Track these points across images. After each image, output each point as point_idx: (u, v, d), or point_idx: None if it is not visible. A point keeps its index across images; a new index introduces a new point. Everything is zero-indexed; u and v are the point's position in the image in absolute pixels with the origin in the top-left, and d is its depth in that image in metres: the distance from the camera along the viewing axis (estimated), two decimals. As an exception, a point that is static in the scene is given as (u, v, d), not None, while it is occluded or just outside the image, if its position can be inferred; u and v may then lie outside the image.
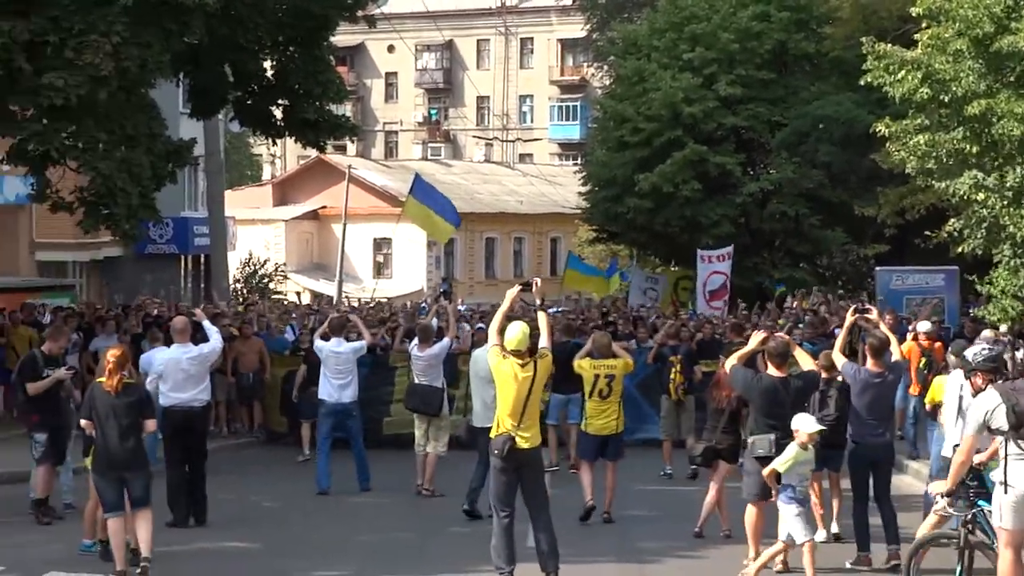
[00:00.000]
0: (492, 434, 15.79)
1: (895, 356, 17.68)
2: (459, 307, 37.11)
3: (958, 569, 13.84)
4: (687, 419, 24.83)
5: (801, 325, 30.68)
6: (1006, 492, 12.93)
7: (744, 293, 45.31)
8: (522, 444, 15.42)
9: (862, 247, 48.50)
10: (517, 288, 16.66)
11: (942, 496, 13.71)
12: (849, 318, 18.50)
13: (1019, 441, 12.92)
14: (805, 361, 17.05)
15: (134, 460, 15.99)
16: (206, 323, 20.56)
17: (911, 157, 29.65)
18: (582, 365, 20.16)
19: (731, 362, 16.92)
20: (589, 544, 18.32)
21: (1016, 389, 13.28)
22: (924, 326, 26.11)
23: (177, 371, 19.37)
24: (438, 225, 45.26)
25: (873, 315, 18.80)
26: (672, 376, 25.17)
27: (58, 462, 19.57)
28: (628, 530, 19.61)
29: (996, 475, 13.10)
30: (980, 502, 13.93)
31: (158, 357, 20.16)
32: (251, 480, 24.49)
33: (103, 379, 15.92)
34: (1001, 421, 13.01)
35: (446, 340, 22.98)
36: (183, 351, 19.57)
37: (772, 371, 16.55)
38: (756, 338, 17.12)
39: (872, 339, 17.13)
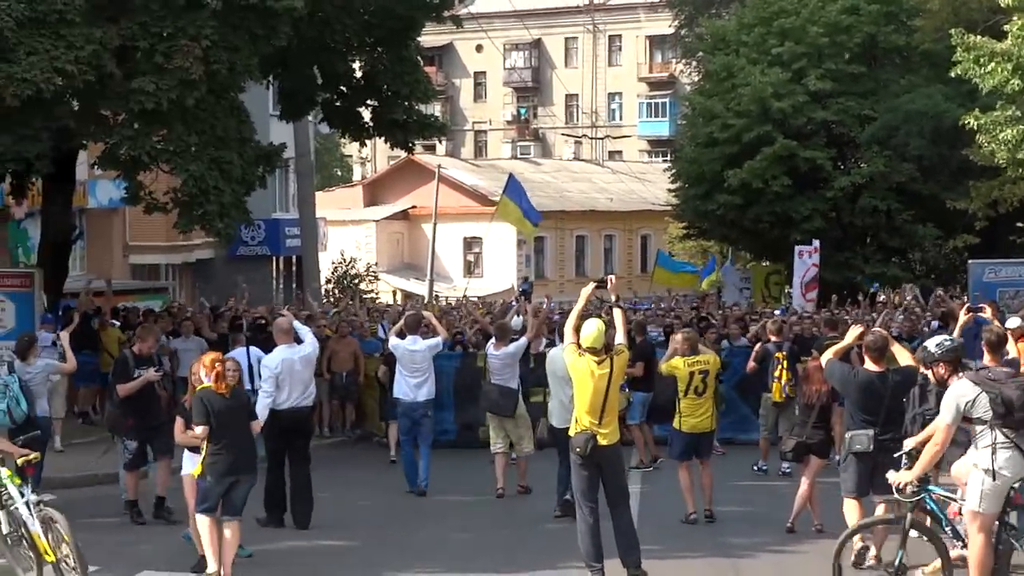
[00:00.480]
0: (571, 432, 15.77)
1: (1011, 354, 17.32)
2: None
3: (900, 555, 13.88)
4: (788, 418, 23.14)
5: (899, 318, 30.25)
6: (994, 479, 13.02)
7: (835, 288, 44.78)
8: (602, 441, 15.43)
9: (953, 240, 48.07)
10: (592, 286, 16.72)
11: (910, 484, 13.71)
12: (963, 317, 18.23)
13: (1005, 430, 13.01)
14: (903, 356, 16.46)
15: (249, 464, 15.89)
16: (297, 324, 20.28)
17: (1002, 149, 29.50)
18: (675, 365, 19.73)
19: (827, 356, 16.59)
20: (681, 540, 18.33)
21: (995, 379, 13.37)
22: (1014, 322, 25.82)
23: (291, 372, 19.07)
24: (526, 223, 47.52)
25: (988, 312, 18.69)
26: (778, 374, 24.18)
27: (142, 463, 19.77)
28: (720, 525, 19.37)
29: (982, 462, 13.12)
30: (929, 487, 14.01)
31: (272, 359, 19.47)
32: (345, 480, 24.35)
33: (211, 384, 15.53)
34: (984, 410, 13.12)
35: (522, 340, 22.22)
36: (293, 351, 19.27)
37: (869, 365, 16.18)
38: (853, 332, 16.74)
39: (989, 333, 16.67)
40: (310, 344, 19.72)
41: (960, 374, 13.89)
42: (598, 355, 15.62)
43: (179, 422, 16.12)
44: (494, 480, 21.79)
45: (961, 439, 14.15)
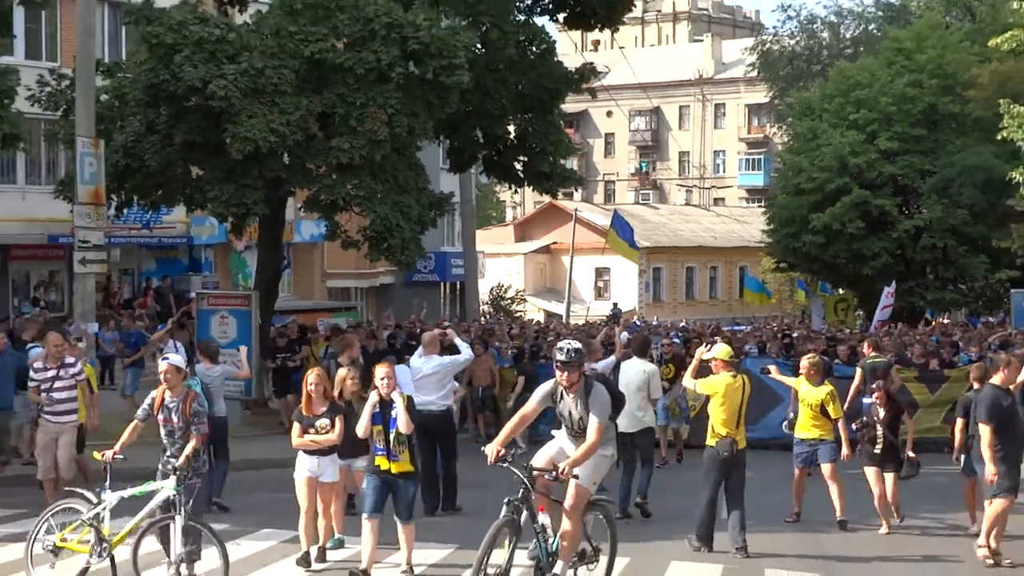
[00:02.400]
0: (710, 441, 15.39)
1: None
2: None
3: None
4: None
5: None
6: None
7: (899, 313, 45.07)
8: (741, 445, 15.28)
9: (999, 272, 47.39)
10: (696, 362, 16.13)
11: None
12: None
13: None
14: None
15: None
16: (457, 339, 19.31)
17: (1041, 199, 29.15)
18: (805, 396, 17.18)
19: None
20: (774, 519, 17.43)
21: None
22: None
23: (423, 378, 17.83)
24: (629, 251, 49.30)
25: None
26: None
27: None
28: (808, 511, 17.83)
29: None
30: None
31: (412, 365, 18.44)
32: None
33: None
34: None
35: (611, 358, 19.28)
36: (426, 361, 17.98)
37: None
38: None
39: None
40: (463, 354, 18.55)
41: None
42: (730, 370, 15.40)
43: (297, 427, 14.14)
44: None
45: None
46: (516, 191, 48.74)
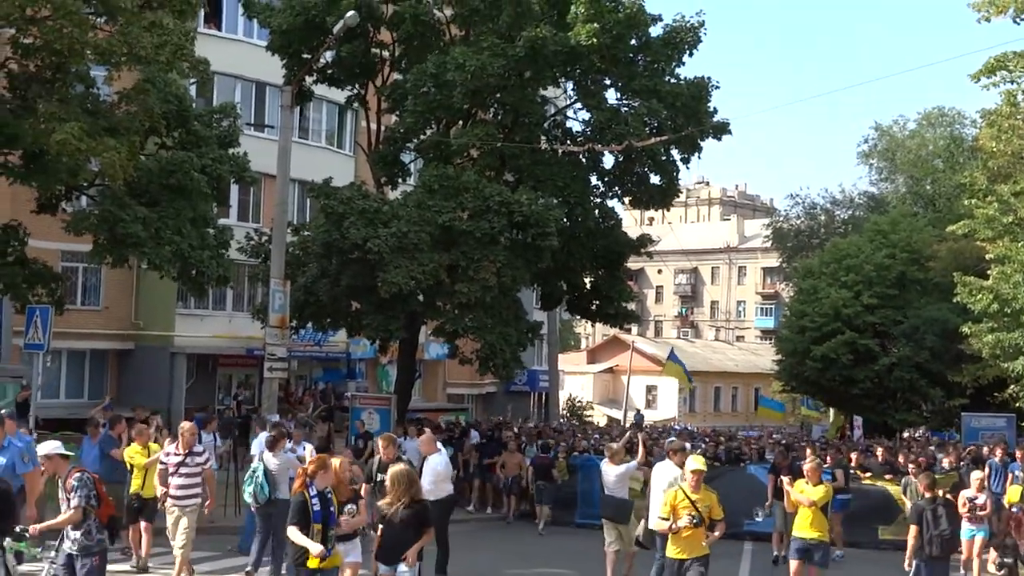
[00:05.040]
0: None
1: None
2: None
3: None
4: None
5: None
6: None
7: (875, 428, 44.76)
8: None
9: (952, 400, 46.46)
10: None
11: None
12: None
13: None
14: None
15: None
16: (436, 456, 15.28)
17: (985, 347, 28.71)
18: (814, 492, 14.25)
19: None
20: None
21: None
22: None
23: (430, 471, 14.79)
24: (683, 377, 49.66)
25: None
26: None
27: None
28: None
29: None
30: None
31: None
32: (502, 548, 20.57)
33: None
34: None
35: (633, 463, 16.47)
36: (442, 457, 15.19)
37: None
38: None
39: None
40: (440, 460, 15.10)
41: None
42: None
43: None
44: (604, 571, 15.86)
45: None
46: (593, 325, 48.68)
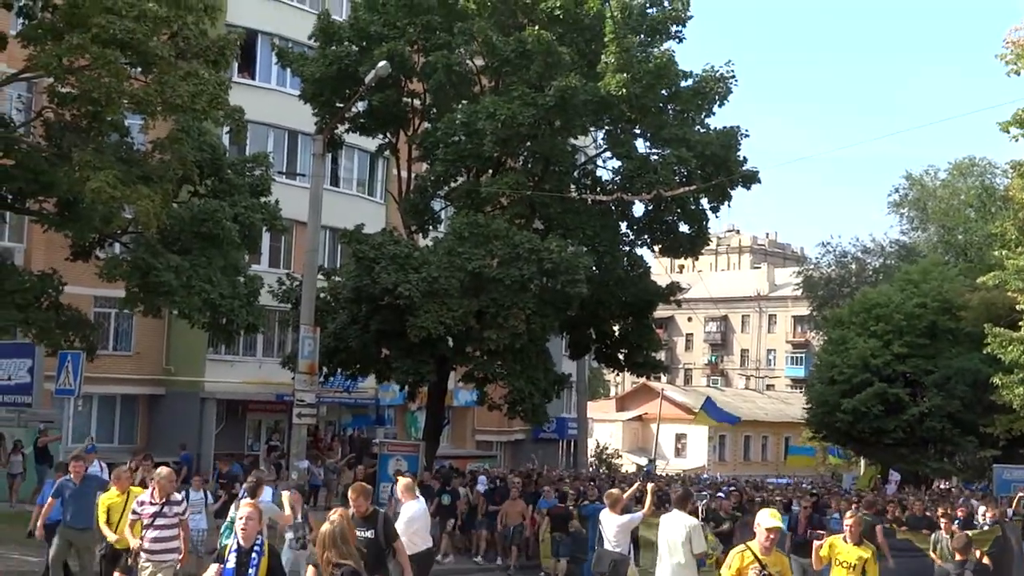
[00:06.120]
0: None
1: None
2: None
3: None
4: None
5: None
6: None
7: (909, 477, 43.97)
8: None
9: (984, 451, 45.93)
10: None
11: None
12: None
13: None
14: None
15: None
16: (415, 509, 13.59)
17: (1016, 398, 28.50)
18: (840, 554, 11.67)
19: None
20: None
21: None
22: None
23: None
24: (719, 425, 47.05)
25: None
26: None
27: None
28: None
29: None
30: None
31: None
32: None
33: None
34: None
35: (639, 514, 14.99)
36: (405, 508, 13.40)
37: None
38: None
39: None
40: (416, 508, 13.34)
41: None
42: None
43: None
44: None
45: None
46: (620, 374, 48.70)
